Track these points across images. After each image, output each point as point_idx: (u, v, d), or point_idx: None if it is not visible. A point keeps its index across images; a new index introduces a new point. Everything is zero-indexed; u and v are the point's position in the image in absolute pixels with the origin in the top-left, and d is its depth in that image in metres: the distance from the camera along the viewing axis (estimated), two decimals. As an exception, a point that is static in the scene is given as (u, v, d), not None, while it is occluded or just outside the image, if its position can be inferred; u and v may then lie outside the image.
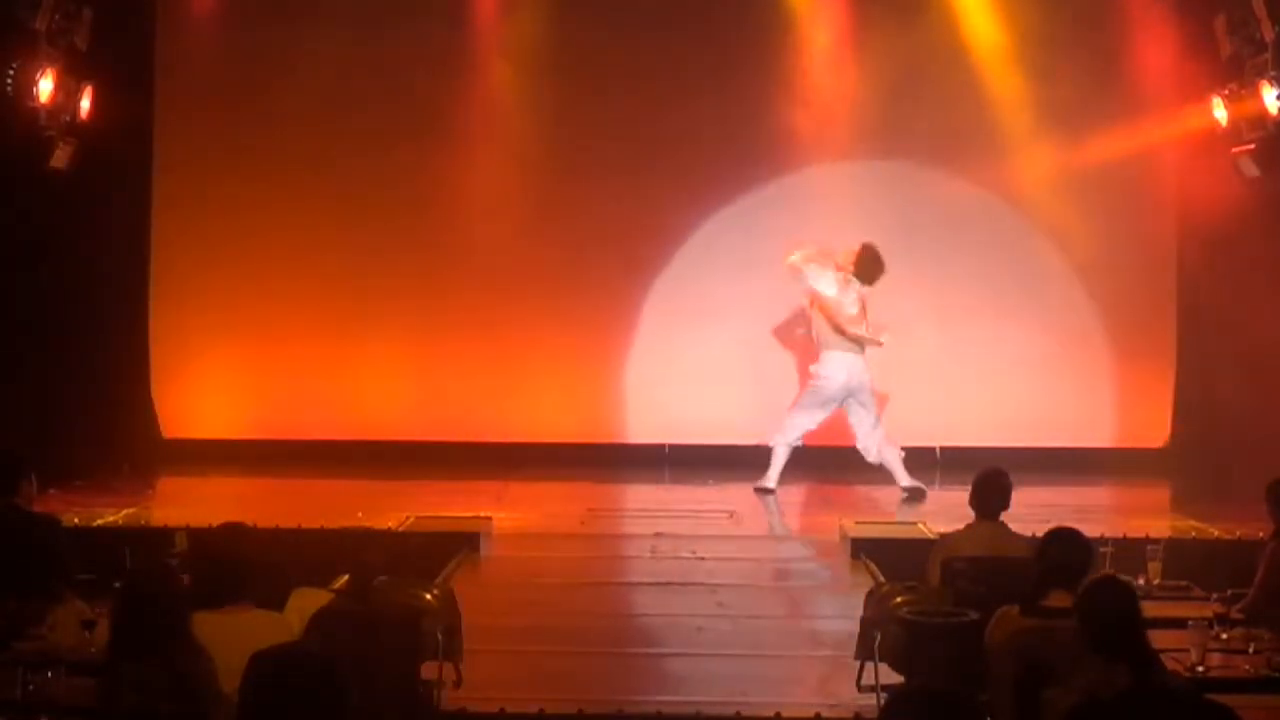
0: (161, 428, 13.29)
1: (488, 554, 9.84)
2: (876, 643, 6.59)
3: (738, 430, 12.83)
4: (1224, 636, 6.29)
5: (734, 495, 11.97)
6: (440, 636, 6.49)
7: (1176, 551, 7.89)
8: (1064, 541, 6.08)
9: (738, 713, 6.70)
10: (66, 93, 11.51)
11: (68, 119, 11.65)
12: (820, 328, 11.90)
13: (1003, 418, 13.04)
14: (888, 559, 9.10)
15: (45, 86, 11.15)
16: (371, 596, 6.29)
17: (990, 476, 7.46)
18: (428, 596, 6.78)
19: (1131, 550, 7.74)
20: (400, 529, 9.81)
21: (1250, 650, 6.15)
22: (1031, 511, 8.34)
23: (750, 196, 13.24)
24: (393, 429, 13.17)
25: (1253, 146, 11.61)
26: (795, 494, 12.10)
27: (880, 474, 12.26)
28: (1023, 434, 12.81)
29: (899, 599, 6.78)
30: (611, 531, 10.51)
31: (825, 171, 13.23)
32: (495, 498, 11.51)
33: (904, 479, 11.76)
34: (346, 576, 6.51)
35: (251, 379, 13.36)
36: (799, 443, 11.96)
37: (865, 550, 9.54)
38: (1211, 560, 8.42)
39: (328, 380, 13.21)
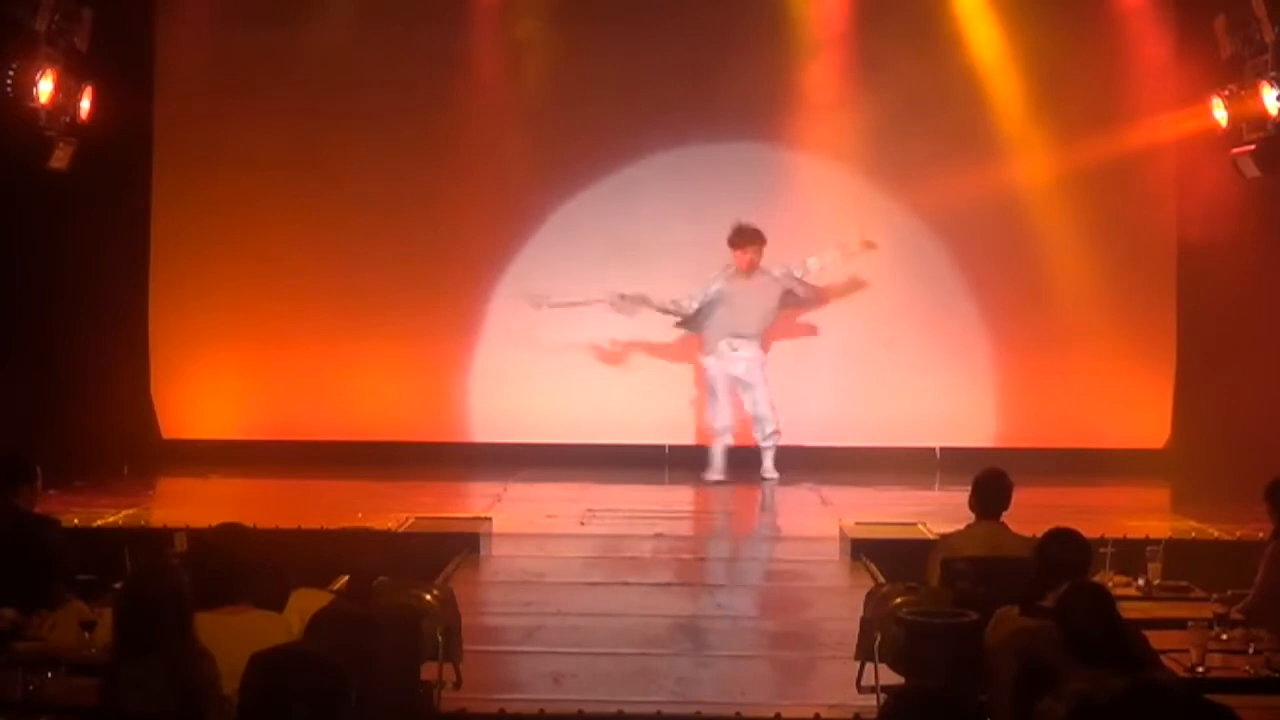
0: (161, 428, 13.29)
1: (488, 554, 9.83)
2: (876, 643, 6.58)
3: (737, 431, 12.81)
4: (1224, 637, 6.27)
5: (734, 495, 11.96)
6: (440, 637, 6.47)
7: (1176, 552, 7.88)
8: (1063, 541, 6.08)
9: (738, 713, 6.68)
10: (66, 93, 11.50)
11: (68, 119, 11.63)
12: None
13: (1003, 418, 13.05)
14: (888, 559, 9.10)
15: (45, 87, 11.14)
16: (371, 597, 6.28)
17: (990, 477, 7.46)
18: (427, 597, 6.76)
19: (1131, 550, 7.73)
20: (400, 529, 9.81)
21: (1250, 651, 6.13)
22: (1031, 512, 8.32)
23: (755, 199, 13.26)
24: (392, 429, 13.17)
25: (1253, 147, 11.59)
26: (795, 494, 12.11)
27: (879, 475, 12.30)
28: (1023, 434, 12.82)
29: (899, 599, 6.76)
30: (611, 531, 10.50)
31: (831, 172, 13.24)
32: (495, 498, 11.53)
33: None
34: (346, 577, 6.51)
35: (251, 379, 13.35)
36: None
37: (865, 550, 9.54)
38: (1211, 560, 8.42)
39: (327, 380, 13.21)
